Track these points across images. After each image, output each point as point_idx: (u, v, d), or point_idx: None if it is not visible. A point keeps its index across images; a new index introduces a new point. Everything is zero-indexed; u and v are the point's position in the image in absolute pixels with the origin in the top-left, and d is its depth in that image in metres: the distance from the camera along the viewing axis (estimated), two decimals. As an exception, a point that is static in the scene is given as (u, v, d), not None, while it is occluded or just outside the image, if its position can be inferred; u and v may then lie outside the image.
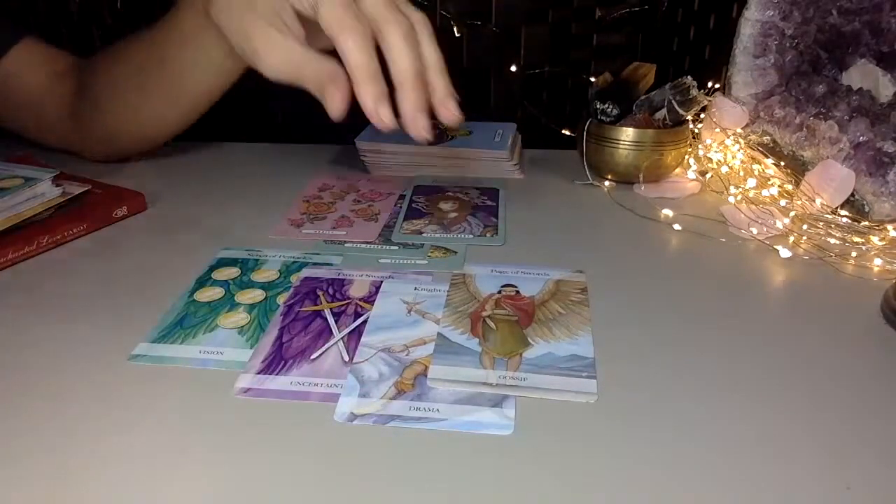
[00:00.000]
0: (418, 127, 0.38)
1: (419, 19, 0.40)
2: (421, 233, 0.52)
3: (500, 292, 0.43)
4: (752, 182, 0.59)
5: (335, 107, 0.38)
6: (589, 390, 0.34)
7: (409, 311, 0.41)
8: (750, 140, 0.62)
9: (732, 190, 0.58)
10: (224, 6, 0.44)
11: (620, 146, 0.60)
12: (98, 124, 0.61)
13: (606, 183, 0.63)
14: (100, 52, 0.62)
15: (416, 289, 0.44)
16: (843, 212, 0.54)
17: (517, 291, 0.44)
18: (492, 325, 0.40)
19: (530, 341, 0.38)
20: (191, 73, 0.54)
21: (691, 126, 0.64)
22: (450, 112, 0.39)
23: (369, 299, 0.42)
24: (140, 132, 0.61)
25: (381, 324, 0.40)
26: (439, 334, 0.39)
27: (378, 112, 0.36)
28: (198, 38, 0.50)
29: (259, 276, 0.45)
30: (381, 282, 0.44)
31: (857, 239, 0.51)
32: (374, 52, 0.37)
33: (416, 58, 0.38)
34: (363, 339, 0.38)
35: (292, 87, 0.46)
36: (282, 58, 0.40)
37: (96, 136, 0.62)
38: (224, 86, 0.55)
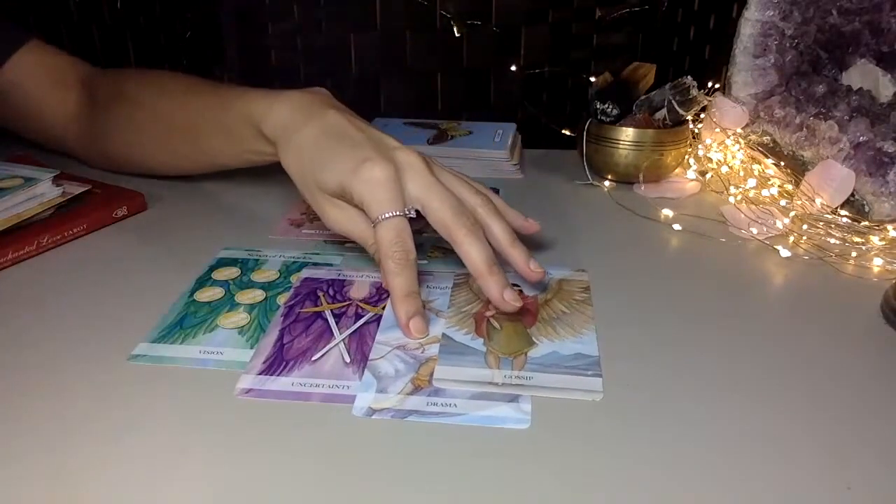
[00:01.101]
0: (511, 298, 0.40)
1: (490, 193, 0.45)
2: (421, 232, 0.52)
3: (501, 292, 0.43)
4: (752, 182, 0.59)
5: (388, 283, 0.41)
6: (595, 388, 0.34)
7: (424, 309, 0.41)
8: (750, 140, 0.62)
9: (732, 190, 0.58)
10: (294, 161, 0.43)
11: (620, 146, 0.60)
12: (108, 146, 0.60)
13: (606, 183, 0.63)
14: (121, 74, 0.60)
15: (427, 286, 0.44)
16: (843, 212, 0.54)
17: (520, 291, 0.44)
18: (496, 324, 0.40)
19: (535, 340, 0.38)
20: (225, 157, 0.53)
21: (691, 126, 0.64)
22: (541, 272, 0.42)
23: (370, 300, 0.42)
24: (151, 168, 0.60)
25: (394, 322, 0.39)
26: (444, 334, 0.39)
27: (504, 297, 0.39)
28: (246, 142, 0.48)
29: (259, 277, 0.45)
30: (382, 283, 0.44)
31: (857, 239, 0.51)
32: (487, 245, 0.40)
33: (509, 228, 0.43)
34: (378, 336, 0.38)
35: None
36: (345, 225, 0.43)
37: (103, 153, 0.61)
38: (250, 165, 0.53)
